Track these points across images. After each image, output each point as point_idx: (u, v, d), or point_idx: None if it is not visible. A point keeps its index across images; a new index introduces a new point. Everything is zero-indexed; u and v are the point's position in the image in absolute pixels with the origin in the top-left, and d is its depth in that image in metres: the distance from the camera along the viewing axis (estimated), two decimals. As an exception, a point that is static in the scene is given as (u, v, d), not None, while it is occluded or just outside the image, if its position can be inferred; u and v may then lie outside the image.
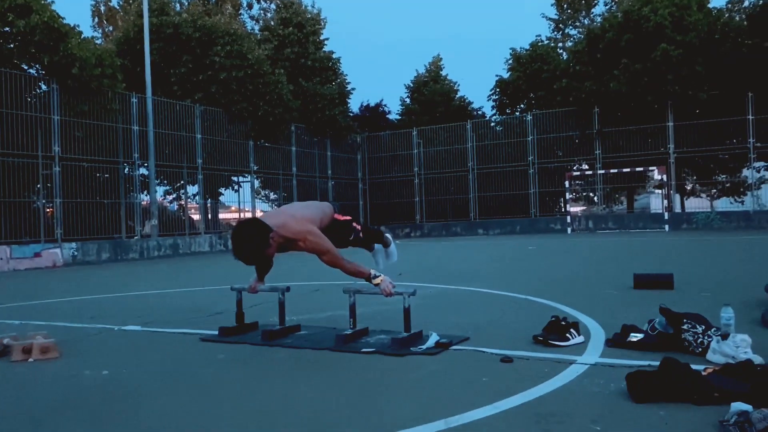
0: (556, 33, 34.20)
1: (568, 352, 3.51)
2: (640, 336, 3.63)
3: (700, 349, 3.30)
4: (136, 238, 18.59)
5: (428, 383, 3.02)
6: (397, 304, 5.02)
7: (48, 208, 16.71)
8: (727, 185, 26.37)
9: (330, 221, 4.04)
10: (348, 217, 4.24)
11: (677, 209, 25.62)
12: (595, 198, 28.28)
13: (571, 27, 34.55)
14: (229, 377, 3.30)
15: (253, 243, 3.54)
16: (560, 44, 32.91)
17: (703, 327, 3.37)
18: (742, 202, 25.87)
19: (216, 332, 4.50)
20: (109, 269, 13.95)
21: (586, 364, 3.23)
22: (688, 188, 27.32)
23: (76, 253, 16.16)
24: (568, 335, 3.72)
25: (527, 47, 29.46)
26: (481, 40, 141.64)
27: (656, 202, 35.75)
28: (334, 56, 28.11)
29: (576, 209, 27.79)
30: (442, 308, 5.40)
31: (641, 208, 34.59)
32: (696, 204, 28.18)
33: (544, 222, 25.92)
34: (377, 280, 3.81)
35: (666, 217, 23.52)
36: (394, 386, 2.99)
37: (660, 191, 29.76)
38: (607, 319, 4.47)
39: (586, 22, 33.51)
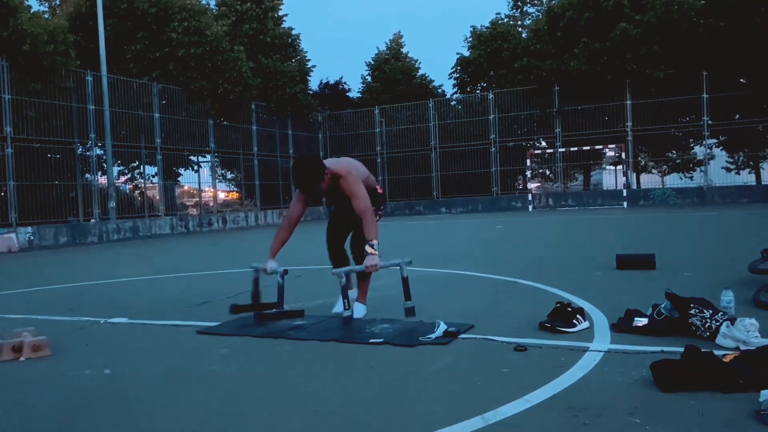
0: (514, 11, 34.32)
1: (576, 339, 3.53)
2: (644, 321, 3.67)
3: (707, 334, 3.36)
4: (93, 221, 18.03)
5: (449, 376, 2.98)
6: (383, 290, 4.98)
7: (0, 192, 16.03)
8: (678, 161, 27.10)
9: (370, 189, 4.37)
10: (382, 194, 4.72)
11: (633, 186, 26.23)
12: (551, 175, 28.75)
13: (529, 5, 34.71)
14: (239, 374, 3.20)
15: (312, 173, 4.08)
16: (520, 22, 33.03)
17: (711, 311, 3.43)
18: (692, 178, 26.66)
19: (209, 323, 4.39)
20: (69, 254, 13.51)
21: (600, 351, 3.25)
22: (642, 164, 27.99)
23: (32, 238, 15.58)
24: (574, 321, 3.74)
25: (487, 25, 29.53)
26: (440, 15, 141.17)
27: (608, 179, 36.59)
28: (293, 33, 27.60)
29: (532, 186, 28.22)
30: (433, 293, 5.38)
31: (594, 184, 35.37)
32: (647, 180, 28.94)
33: (505, 200, 26.24)
34: (371, 250, 3.93)
35: (624, 194, 24.07)
36: (415, 380, 2.95)
37: (613, 168, 30.49)
38: (602, 302, 4.52)
39: (544, 0, 33.70)
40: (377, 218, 4.50)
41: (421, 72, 32.27)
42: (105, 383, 3.11)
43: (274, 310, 4.39)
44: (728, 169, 25.58)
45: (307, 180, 4.12)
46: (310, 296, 5.48)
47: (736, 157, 25.85)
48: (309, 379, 3.04)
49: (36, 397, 2.93)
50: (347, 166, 4.26)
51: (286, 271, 4.44)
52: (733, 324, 3.26)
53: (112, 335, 4.32)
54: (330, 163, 4.27)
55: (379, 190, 4.67)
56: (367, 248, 3.94)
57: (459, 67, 29.69)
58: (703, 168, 24.73)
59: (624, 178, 25.31)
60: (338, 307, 4.37)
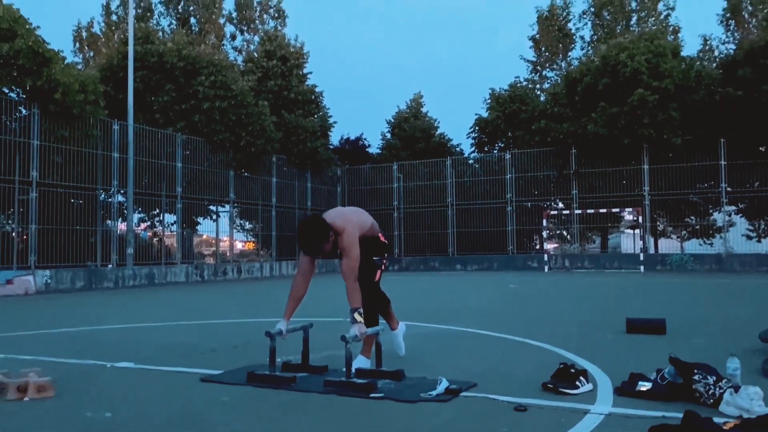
0: (533, 75, 34.96)
1: (579, 401, 3.50)
2: (648, 385, 3.64)
3: (711, 401, 3.32)
4: (110, 266, 18.23)
5: (447, 433, 2.97)
6: (390, 343, 4.98)
7: (14, 232, 16.30)
8: (697, 227, 26.86)
9: (372, 235, 4.54)
10: (386, 243, 4.77)
11: (651, 250, 26.00)
12: (568, 236, 28.62)
13: (548, 69, 35.36)
14: (238, 423, 3.21)
15: (316, 236, 4.16)
16: (538, 86, 33.60)
17: (714, 378, 3.39)
18: (711, 244, 26.36)
19: (214, 371, 4.41)
20: (85, 298, 13.62)
21: (600, 414, 3.22)
22: (660, 229, 27.80)
23: (49, 281, 15.77)
24: (577, 383, 3.72)
25: (506, 87, 30.06)
26: (460, 78, 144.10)
27: (627, 242, 36.28)
28: (317, 90, 28.28)
29: (549, 246, 28.08)
30: (441, 350, 5.37)
31: (612, 247, 35.04)
32: (666, 245, 28.65)
33: (521, 259, 26.11)
34: (359, 318, 4.04)
35: (641, 257, 23.86)
36: (413, 435, 2.94)
37: (632, 231, 30.29)
38: (608, 365, 4.48)
39: (563, 65, 34.34)
40: (382, 267, 4.62)
41: (439, 131, 32.74)
42: (105, 426, 3.13)
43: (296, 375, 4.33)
44: (749, 237, 25.30)
45: (311, 243, 4.22)
46: (316, 348, 5.48)
47: (757, 225, 25.60)
48: (307, 431, 3.04)
49: (36, 437, 2.97)
50: (345, 223, 4.27)
51: (311, 324, 4.65)
52: (737, 392, 3.23)
53: (116, 379, 4.36)
54: (332, 216, 4.33)
55: (382, 239, 4.71)
56: (356, 316, 4.05)
57: (477, 127, 30.09)
58: (722, 235, 24.49)
59: (641, 242, 25.12)
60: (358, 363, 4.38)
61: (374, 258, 4.54)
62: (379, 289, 4.70)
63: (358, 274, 4.16)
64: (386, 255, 4.74)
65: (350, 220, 4.36)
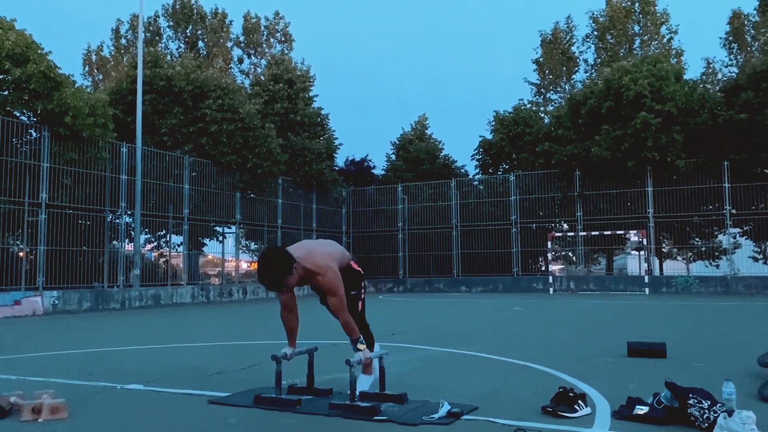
0: (538, 97, 35.25)
1: (577, 424, 3.59)
2: (645, 409, 3.73)
3: (706, 425, 3.41)
4: (117, 287, 18.35)
5: (447, 455, 3.06)
6: (396, 366, 5.06)
7: (21, 252, 16.46)
8: (703, 249, 26.86)
9: (345, 266, 4.37)
10: (360, 270, 4.58)
11: (656, 272, 25.98)
12: (574, 258, 28.65)
13: (552, 92, 35.66)
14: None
15: (278, 269, 3.88)
16: (542, 108, 33.85)
17: (709, 402, 3.48)
18: (717, 266, 26.30)
19: (221, 394, 4.51)
20: (91, 319, 13.73)
21: (598, 437, 3.31)
22: (665, 251, 27.79)
23: (56, 302, 15.90)
24: (576, 407, 3.81)
25: (510, 110, 30.31)
26: (464, 100, 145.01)
27: (633, 264, 36.25)
28: (322, 112, 28.58)
29: (554, 268, 28.08)
30: (444, 373, 5.46)
31: (618, 269, 34.96)
32: (672, 267, 28.62)
33: (526, 281, 26.13)
34: (362, 347, 4.12)
35: (646, 280, 23.86)
36: (414, 457, 3.03)
37: (637, 253, 30.28)
38: (608, 389, 4.57)
39: (567, 88, 34.63)
40: (362, 297, 4.62)
41: (444, 153, 32.98)
42: (117, 447, 3.24)
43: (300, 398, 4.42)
44: (756, 259, 25.27)
45: (273, 277, 3.94)
46: (320, 371, 5.57)
47: (763, 247, 25.58)
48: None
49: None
50: (323, 259, 4.09)
51: (316, 348, 4.73)
52: (730, 416, 3.31)
53: (127, 401, 4.46)
54: (302, 251, 4.10)
55: (355, 266, 4.56)
56: (357, 346, 4.14)
57: (481, 149, 30.30)
58: (728, 257, 24.46)
59: (646, 265, 25.12)
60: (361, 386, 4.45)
61: (352, 292, 4.46)
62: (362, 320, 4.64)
63: (346, 308, 4.13)
64: (363, 284, 4.63)
65: (327, 255, 4.18)
